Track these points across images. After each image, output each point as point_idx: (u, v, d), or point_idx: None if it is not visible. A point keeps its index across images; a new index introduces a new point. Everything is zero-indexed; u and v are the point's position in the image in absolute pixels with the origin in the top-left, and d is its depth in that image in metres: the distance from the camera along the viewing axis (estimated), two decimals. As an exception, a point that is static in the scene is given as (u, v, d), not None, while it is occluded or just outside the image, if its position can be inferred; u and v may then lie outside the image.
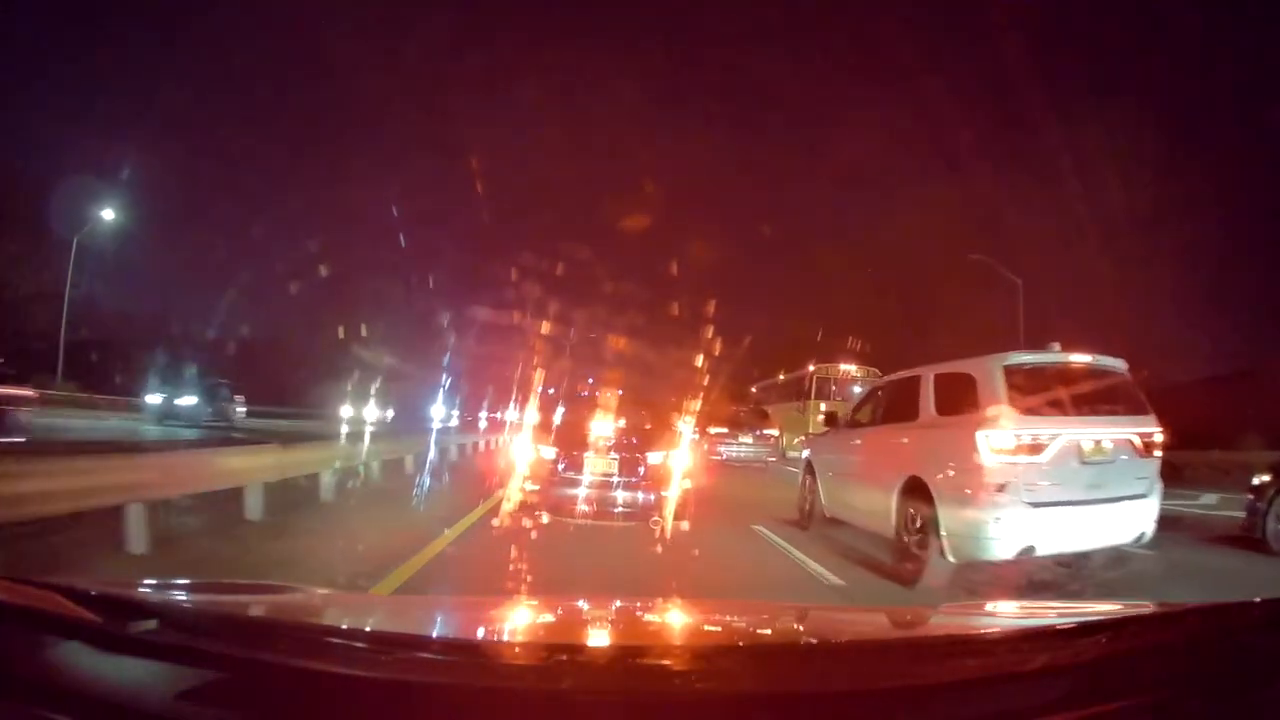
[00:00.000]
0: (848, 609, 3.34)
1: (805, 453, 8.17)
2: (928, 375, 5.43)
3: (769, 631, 1.70)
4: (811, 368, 23.85)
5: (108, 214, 23.41)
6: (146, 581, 1.57)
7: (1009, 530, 4.34)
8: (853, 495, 6.15)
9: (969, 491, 4.48)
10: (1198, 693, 1.14)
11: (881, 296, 33.98)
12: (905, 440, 5.40)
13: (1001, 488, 4.37)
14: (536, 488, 6.40)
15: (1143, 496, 4.67)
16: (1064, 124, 26.38)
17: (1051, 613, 1.87)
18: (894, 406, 5.82)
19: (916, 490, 4.88)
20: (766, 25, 36.17)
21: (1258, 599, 1.30)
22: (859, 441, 6.33)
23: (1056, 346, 5.09)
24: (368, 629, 1.26)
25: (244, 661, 1.03)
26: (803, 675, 1.11)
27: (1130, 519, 4.62)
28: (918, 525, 4.79)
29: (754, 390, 30.10)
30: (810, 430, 22.09)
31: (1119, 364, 4.97)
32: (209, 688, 1.02)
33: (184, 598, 1.31)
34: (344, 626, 1.23)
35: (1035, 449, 4.47)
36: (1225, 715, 1.12)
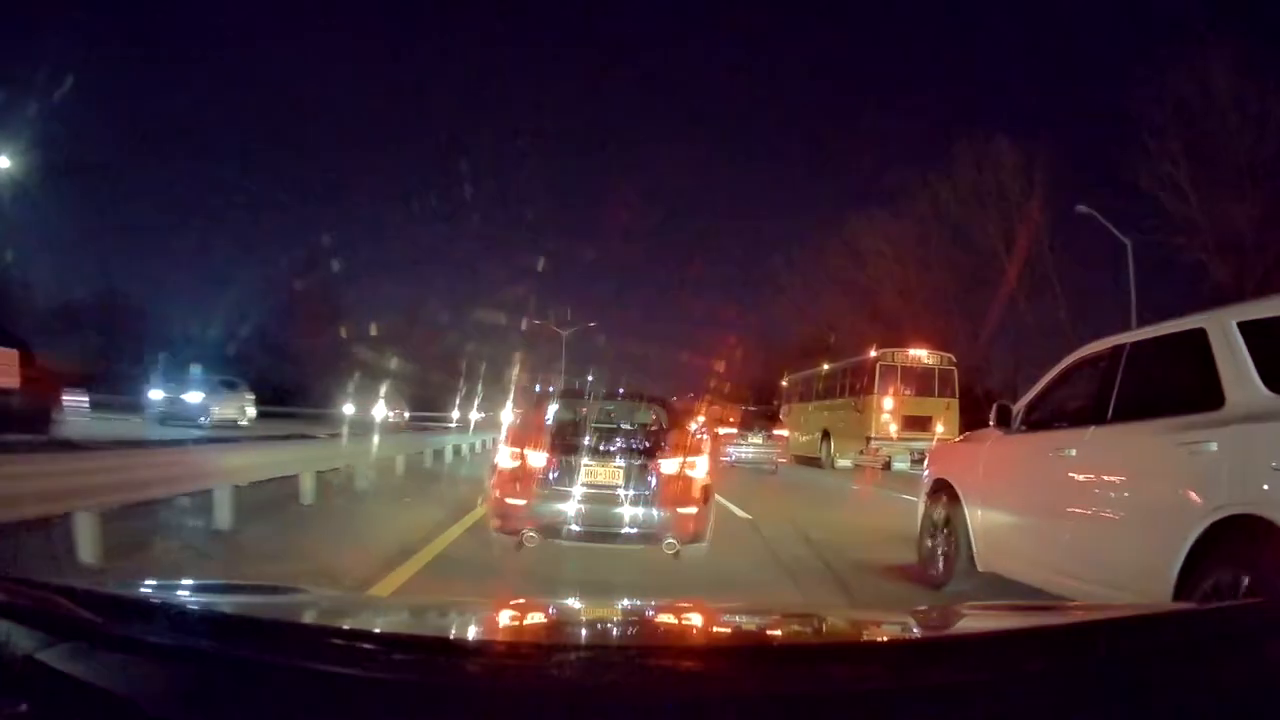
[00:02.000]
0: (848, 610, 3.27)
1: (927, 471, 6.14)
2: (1223, 325, 3.47)
3: (770, 632, 1.80)
4: (874, 352, 20.24)
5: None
6: (146, 581, 1.62)
7: None
8: (1055, 545, 4.22)
9: None
10: (1199, 695, 1.21)
11: (928, 276, 31.60)
12: (1210, 447, 3.28)
13: None
14: (521, 502, 5.55)
15: None
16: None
17: (1052, 613, 2.03)
18: (1144, 389, 3.95)
19: (1238, 540, 3.06)
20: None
21: (1258, 600, 1.27)
22: (1071, 454, 4.21)
23: None
24: (368, 629, 1.39)
25: (244, 661, 1.11)
26: (805, 676, 1.17)
27: None
28: None
29: (784, 384, 27.12)
30: (874, 433, 19.09)
31: None
32: (209, 688, 1.10)
33: (184, 598, 1.40)
34: (344, 626, 1.36)
35: None
36: (1225, 716, 1.18)
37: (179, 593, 1.55)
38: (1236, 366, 3.32)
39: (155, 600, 1.29)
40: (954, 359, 20.10)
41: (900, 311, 31.63)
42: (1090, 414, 4.20)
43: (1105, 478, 3.97)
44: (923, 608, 2.28)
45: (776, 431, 19.30)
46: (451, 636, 1.51)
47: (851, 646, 1.52)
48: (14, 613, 1.17)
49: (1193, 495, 3.27)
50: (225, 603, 1.56)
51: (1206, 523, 3.14)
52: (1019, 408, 4.93)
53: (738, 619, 2.02)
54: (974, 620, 1.97)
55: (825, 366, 23.85)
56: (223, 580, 2.11)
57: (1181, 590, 3.17)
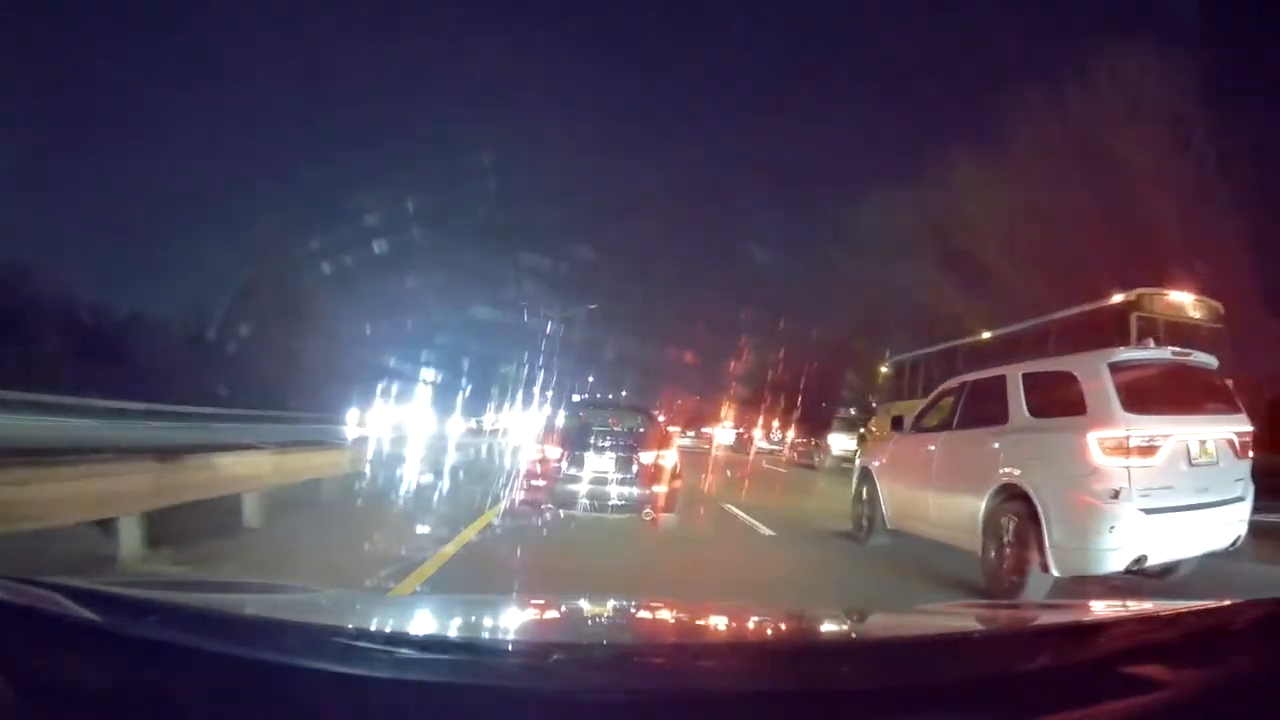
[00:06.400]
0: (846, 609, 3.24)
1: (859, 460, 8.93)
2: (1014, 375, 5.87)
3: (769, 631, 1.85)
4: (1121, 297, 12.55)
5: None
6: (146, 581, 1.62)
7: (1123, 539, 4.69)
8: (926, 506, 6.55)
9: (1080, 499, 4.80)
10: (1198, 693, 1.23)
11: (1043, 228, 21.45)
12: (995, 445, 5.69)
13: (1116, 494, 4.71)
14: (543, 484, 7.87)
15: (1240, 500, 5.15)
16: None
17: (1051, 613, 2.07)
18: (974, 410, 6.28)
19: (1012, 500, 5.30)
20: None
21: (1257, 600, 1.43)
22: (933, 448, 6.64)
23: (1151, 343, 5.83)
24: (369, 628, 1.38)
25: (244, 661, 1.12)
26: (803, 675, 1.18)
27: (1229, 523, 5.09)
28: (1011, 538, 5.21)
29: (885, 370, 18.74)
30: None
31: (1212, 361, 5.61)
32: (209, 688, 1.10)
33: (184, 597, 1.39)
34: (345, 626, 1.35)
35: (1148, 451, 4.81)
36: (1225, 716, 1.20)
37: (178, 592, 1.55)
38: (1017, 399, 5.65)
39: (155, 600, 1.28)
40: (1222, 309, 12.10)
41: (1002, 279, 21.61)
42: (946, 423, 6.56)
43: (949, 463, 6.27)
44: (923, 606, 2.28)
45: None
46: (451, 636, 1.51)
47: (850, 645, 1.55)
48: (14, 610, 1.17)
49: (987, 475, 5.50)
50: (225, 602, 1.56)
51: (993, 488, 5.40)
52: (910, 418, 7.42)
53: (737, 618, 2.03)
54: (974, 620, 2.01)
55: (986, 335, 14.91)
56: (223, 579, 2.13)
57: (984, 527, 5.39)
